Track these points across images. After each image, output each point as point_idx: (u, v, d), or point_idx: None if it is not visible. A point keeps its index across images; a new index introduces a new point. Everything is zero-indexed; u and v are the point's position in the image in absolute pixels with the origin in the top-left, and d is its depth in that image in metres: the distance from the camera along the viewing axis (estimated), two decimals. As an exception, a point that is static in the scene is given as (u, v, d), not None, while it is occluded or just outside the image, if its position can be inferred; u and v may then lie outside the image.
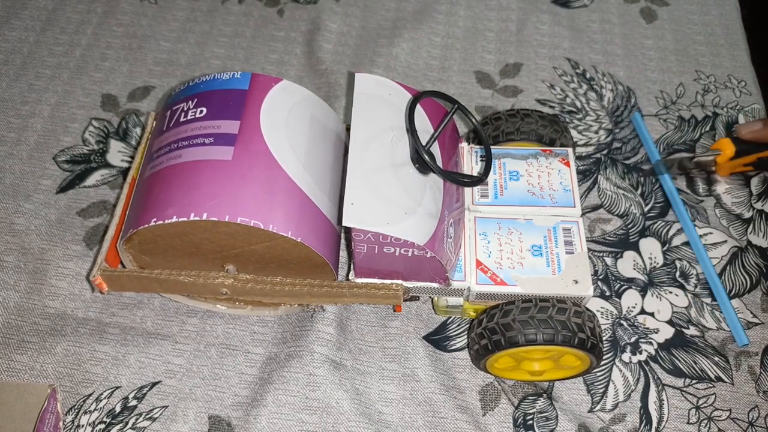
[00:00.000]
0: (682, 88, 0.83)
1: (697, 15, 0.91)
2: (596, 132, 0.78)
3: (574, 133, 0.78)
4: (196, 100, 0.60)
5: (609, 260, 0.69)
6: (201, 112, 0.59)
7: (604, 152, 0.76)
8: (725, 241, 0.70)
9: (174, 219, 0.53)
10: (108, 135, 0.78)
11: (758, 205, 0.72)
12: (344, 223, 0.51)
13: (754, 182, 0.74)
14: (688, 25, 0.90)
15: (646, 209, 0.72)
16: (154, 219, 0.54)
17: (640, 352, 0.63)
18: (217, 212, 0.53)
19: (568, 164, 0.63)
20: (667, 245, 0.70)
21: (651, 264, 0.69)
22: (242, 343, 0.64)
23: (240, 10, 0.92)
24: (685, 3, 0.92)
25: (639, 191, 0.73)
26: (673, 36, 0.89)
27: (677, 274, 0.68)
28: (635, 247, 0.70)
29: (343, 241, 0.66)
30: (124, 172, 0.75)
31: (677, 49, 0.87)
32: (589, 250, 0.69)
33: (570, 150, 0.64)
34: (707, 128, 0.79)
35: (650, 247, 0.70)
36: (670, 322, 0.65)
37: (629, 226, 0.71)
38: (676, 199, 0.72)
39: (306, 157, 0.58)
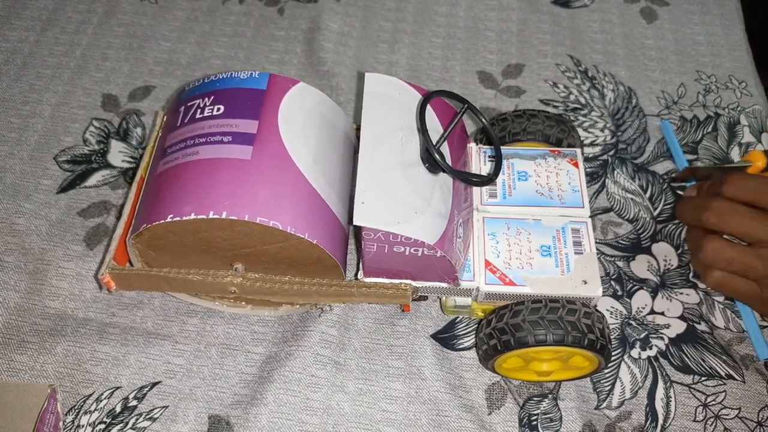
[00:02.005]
0: (683, 88, 0.83)
1: (698, 15, 0.91)
2: (602, 130, 0.78)
3: (580, 130, 0.78)
4: (212, 97, 0.60)
5: (621, 263, 0.69)
6: (218, 109, 0.58)
7: (611, 153, 0.76)
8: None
9: (192, 216, 0.53)
10: (109, 135, 0.78)
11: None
12: (355, 222, 0.51)
13: None
14: (688, 25, 0.90)
15: (655, 213, 0.72)
16: (171, 215, 0.54)
17: (650, 348, 0.63)
18: (237, 211, 0.53)
19: (576, 164, 0.63)
20: (681, 248, 0.70)
21: (665, 266, 0.68)
22: (242, 343, 0.64)
23: (240, 9, 0.92)
24: (685, 3, 0.92)
25: (648, 194, 0.73)
26: (673, 36, 0.89)
27: (691, 275, 0.68)
28: (648, 252, 0.70)
29: (351, 241, 0.66)
30: (125, 173, 0.75)
31: (678, 50, 0.87)
32: (603, 254, 0.69)
33: (578, 150, 0.64)
34: (709, 129, 0.79)
35: (664, 250, 0.70)
36: (682, 318, 0.65)
37: (639, 231, 0.71)
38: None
39: (321, 158, 0.58)
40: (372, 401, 0.61)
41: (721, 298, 0.66)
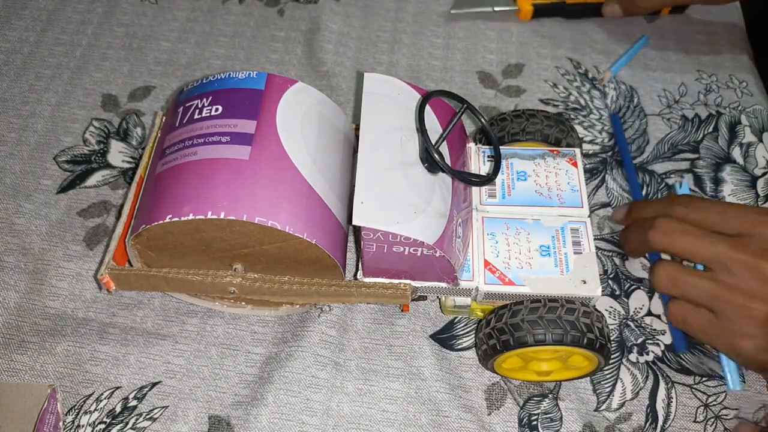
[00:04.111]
0: (684, 87, 0.83)
1: (698, 14, 0.91)
2: (600, 132, 0.78)
3: (579, 129, 0.78)
4: (210, 97, 0.60)
5: (617, 260, 0.69)
6: (216, 110, 0.58)
7: (609, 154, 0.76)
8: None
9: (191, 216, 0.53)
10: (108, 135, 0.78)
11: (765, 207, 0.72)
12: (354, 222, 0.51)
13: (760, 184, 0.74)
14: (688, 25, 0.90)
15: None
16: (170, 215, 0.53)
17: (647, 353, 0.63)
18: (235, 211, 0.53)
19: (575, 164, 0.63)
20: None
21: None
22: (242, 343, 0.64)
23: (240, 10, 0.92)
24: (684, 3, 0.93)
25: (643, 192, 0.73)
26: (674, 35, 0.89)
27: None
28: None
29: (351, 240, 0.66)
30: (125, 173, 0.75)
31: (678, 49, 0.87)
32: (599, 249, 0.69)
33: (577, 150, 0.64)
34: (710, 129, 0.78)
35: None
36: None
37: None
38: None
39: (319, 158, 0.58)
40: (372, 402, 0.61)
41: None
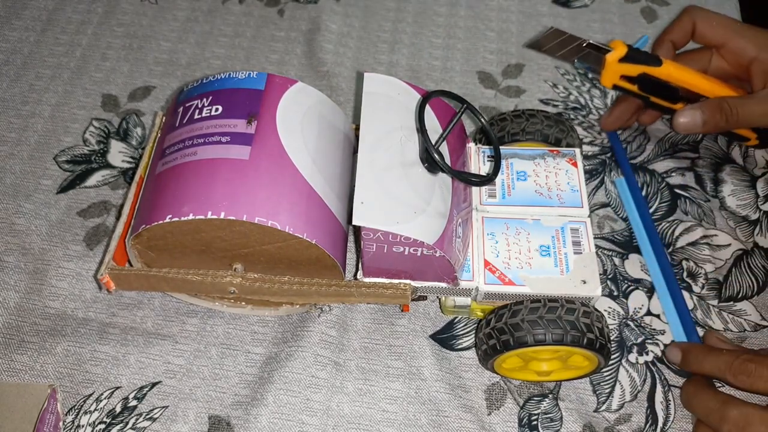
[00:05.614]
0: (684, 88, 0.83)
1: (697, 15, 0.91)
2: (600, 132, 0.78)
3: (579, 130, 0.78)
4: (210, 97, 0.60)
5: (617, 260, 0.69)
6: (216, 110, 0.58)
7: (608, 155, 0.76)
8: (729, 244, 0.70)
9: (191, 216, 0.53)
10: (108, 135, 0.78)
11: (765, 207, 0.72)
12: (354, 222, 0.51)
13: (760, 184, 0.74)
14: (688, 26, 0.90)
15: (650, 210, 0.72)
16: (170, 215, 0.54)
17: (647, 353, 0.63)
18: (235, 211, 0.53)
19: (575, 164, 0.63)
20: (672, 246, 0.70)
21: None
22: (242, 343, 0.64)
23: (240, 10, 0.92)
24: (685, 2, 0.92)
25: (643, 193, 0.73)
26: (674, 36, 0.89)
27: (684, 274, 0.68)
28: (639, 251, 0.70)
29: (351, 241, 0.66)
30: (125, 173, 0.75)
31: (678, 50, 0.87)
32: (599, 248, 0.69)
33: (577, 150, 0.64)
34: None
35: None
36: (676, 323, 0.65)
37: (632, 230, 0.71)
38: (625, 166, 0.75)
39: (319, 158, 0.58)
40: (372, 402, 0.61)
41: (715, 302, 0.66)
